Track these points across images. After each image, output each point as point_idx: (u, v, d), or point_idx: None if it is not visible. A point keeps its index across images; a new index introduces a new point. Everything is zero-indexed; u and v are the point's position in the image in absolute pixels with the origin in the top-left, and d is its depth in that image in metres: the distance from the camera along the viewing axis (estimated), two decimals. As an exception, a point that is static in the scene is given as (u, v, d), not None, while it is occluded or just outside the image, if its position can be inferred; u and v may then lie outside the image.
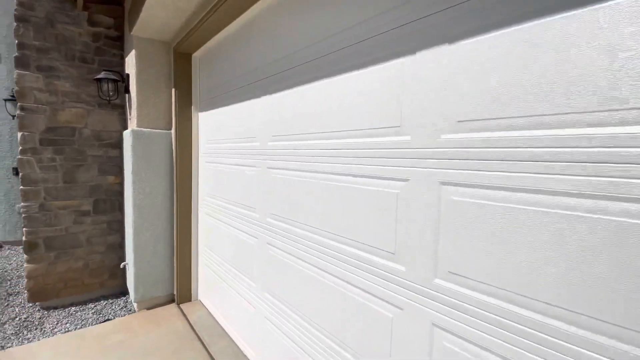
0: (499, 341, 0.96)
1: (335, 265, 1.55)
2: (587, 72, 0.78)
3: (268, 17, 2.01)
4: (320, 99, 1.61)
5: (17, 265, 4.23)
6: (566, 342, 0.83)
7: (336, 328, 1.57)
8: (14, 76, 2.94)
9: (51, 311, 3.08)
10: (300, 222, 1.78)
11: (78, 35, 3.13)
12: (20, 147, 2.97)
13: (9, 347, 2.52)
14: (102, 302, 3.31)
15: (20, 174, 2.98)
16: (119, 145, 3.41)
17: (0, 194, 5.02)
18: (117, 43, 3.33)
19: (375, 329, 1.36)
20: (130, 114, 3.17)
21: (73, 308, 3.16)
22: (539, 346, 0.87)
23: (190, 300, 3.28)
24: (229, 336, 2.66)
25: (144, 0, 2.31)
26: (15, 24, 2.90)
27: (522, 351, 0.91)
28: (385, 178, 1.28)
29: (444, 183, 1.08)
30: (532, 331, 0.89)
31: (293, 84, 1.80)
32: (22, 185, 2.98)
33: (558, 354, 0.84)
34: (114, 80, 3.05)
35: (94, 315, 3.05)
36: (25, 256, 3.05)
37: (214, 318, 2.94)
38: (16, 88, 2.93)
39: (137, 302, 3.08)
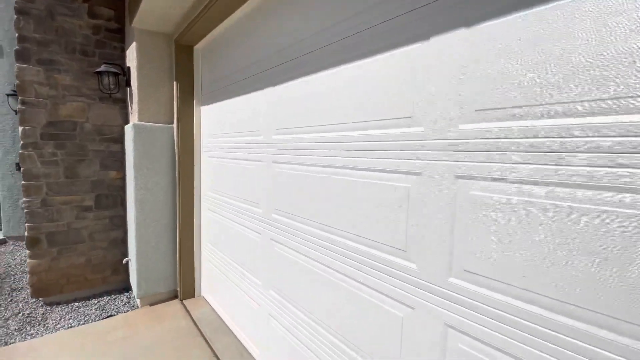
0: (520, 344, 0.90)
1: (342, 262, 1.50)
2: (627, 51, 0.72)
3: (272, 5, 1.94)
4: (327, 90, 1.54)
5: (20, 261, 4.22)
6: (599, 348, 0.77)
7: (343, 326, 1.52)
8: (15, 70, 2.89)
9: (54, 307, 3.07)
10: (305, 218, 1.73)
11: (78, 27, 3.07)
12: (22, 142, 2.93)
13: (12, 342, 2.50)
14: (105, 297, 3.29)
15: (22, 169, 2.94)
16: (120, 139, 3.36)
17: (4, 190, 5.00)
18: (118, 35, 3.27)
19: (385, 328, 1.30)
20: (131, 108, 3.12)
21: (76, 304, 3.14)
22: (566, 351, 0.81)
23: (193, 296, 3.25)
24: (232, 333, 2.62)
25: (144, -11, 2.25)
26: (15, 16, 2.85)
27: (547, 356, 0.85)
28: (396, 172, 1.22)
29: (460, 176, 1.01)
30: (559, 335, 0.83)
31: (298, 74, 1.74)
32: (23, 180, 2.95)
33: None
34: (115, 74, 3.00)
35: (97, 311, 3.02)
36: (27, 252, 3.02)
37: (217, 314, 2.90)
38: (17, 82, 2.89)
39: (140, 298, 3.05)
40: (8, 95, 4.83)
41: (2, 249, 4.70)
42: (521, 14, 0.87)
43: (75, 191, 3.18)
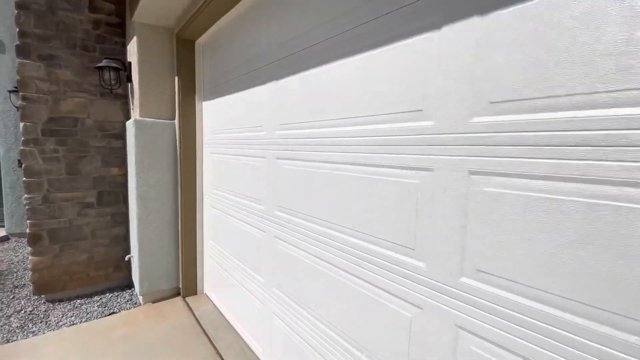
0: (538, 348, 0.86)
1: (348, 260, 1.46)
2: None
3: (275, -3, 1.89)
4: (331, 84, 1.50)
5: (23, 258, 4.21)
6: (624, 354, 0.73)
7: (348, 326, 1.48)
8: (15, 65, 2.86)
9: (56, 304, 3.05)
10: (310, 215, 1.69)
11: (79, 22, 3.03)
12: (23, 138, 2.90)
13: (14, 340, 2.48)
14: (107, 294, 3.27)
15: (23, 165, 2.92)
16: (122, 136, 3.33)
17: (6, 186, 5.00)
18: (119, 30, 3.23)
19: (392, 328, 1.27)
20: (132, 104, 3.08)
21: (78, 301, 3.13)
22: (588, 356, 0.77)
23: (196, 293, 3.23)
24: (235, 331, 2.60)
25: (145, -18, 2.20)
26: (16, 11, 2.81)
27: (565, 360, 0.81)
28: (404, 167, 1.18)
29: (473, 172, 0.97)
30: (580, 339, 0.78)
31: (301, 68, 1.69)
32: (25, 176, 2.93)
33: (608, 365, 0.74)
34: (116, 69, 2.96)
35: (100, 308, 3.01)
36: (29, 249, 3.00)
37: (220, 312, 2.88)
38: (17, 77, 2.86)
39: (142, 295, 3.03)
40: (10, 91, 4.81)
41: (4, 246, 4.70)
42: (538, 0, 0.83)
43: (76, 188, 3.16)
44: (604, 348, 0.74)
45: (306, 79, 1.66)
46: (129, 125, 2.99)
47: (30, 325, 2.68)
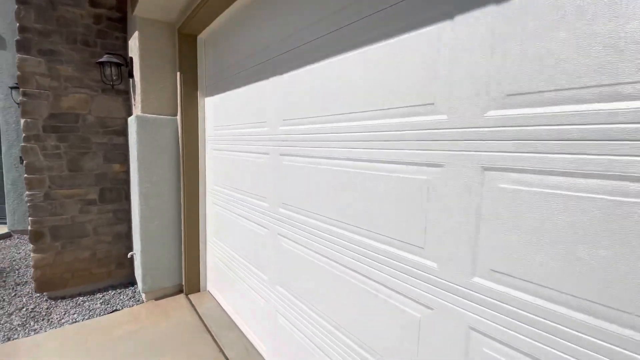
0: (555, 351, 0.82)
1: (354, 259, 1.42)
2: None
3: (279, -11, 1.85)
4: (337, 77, 1.46)
5: (25, 255, 4.20)
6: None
7: (355, 326, 1.45)
8: (16, 61, 2.83)
9: (59, 301, 3.04)
10: (314, 213, 1.65)
11: (80, 17, 2.99)
12: (24, 134, 2.88)
13: (16, 338, 2.46)
14: (110, 292, 3.25)
15: (24, 162, 2.89)
16: (123, 132, 3.30)
17: (8, 183, 4.98)
18: (120, 25, 3.19)
19: (400, 329, 1.23)
20: (134, 100, 3.05)
21: (81, 298, 3.11)
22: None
23: (198, 290, 3.21)
24: (239, 329, 2.57)
25: (146, -25, 2.16)
26: (16, 6, 2.78)
27: (585, 364, 0.77)
28: (414, 163, 1.14)
29: (488, 168, 0.93)
30: (604, 343, 0.75)
31: (306, 62, 1.65)
32: (26, 173, 2.90)
33: (633, 370, 0.71)
34: (117, 64, 2.92)
35: (102, 306, 2.99)
36: (31, 246, 2.99)
37: (223, 309, 2.86)
38: (18, 73, 2.83)
39: (145, 293, 3.01)
40: (11, 88, 4.79)
41: (6, 243, 4.69)
42: (561, -14, 0.78)
43: (78, 184, 3.13)
44: (628, 352, 0.71)
45: (311, 73, 1.62)
46: (131, 121, 2.95)
47: (32, 323, 2.67)
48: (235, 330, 2.57)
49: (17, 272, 3.68)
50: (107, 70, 2.91)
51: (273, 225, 2.02)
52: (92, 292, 3.22)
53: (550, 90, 0.81)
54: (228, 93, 2.53)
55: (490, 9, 0.91)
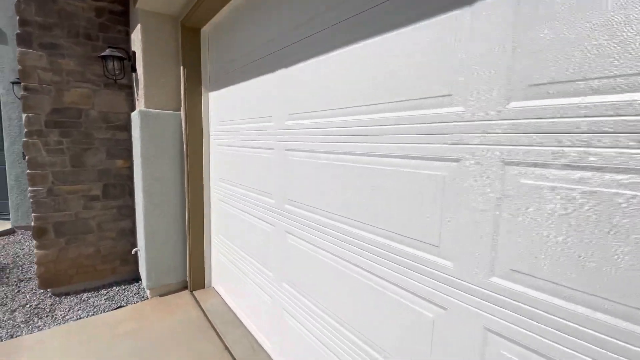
0: (579, 354, 0.78)
1: (364, 257, 1.38)
2: None
3: (285, -21, 1.80)
4: (347, 69, 1.41)
5: (29, 251, 4.19)
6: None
7: (365, 325, 1.41)
8: (17, 54, 2.79)
9: (63, 298, 3.02)
10: (322, 210, 1.61)
11: (81, 10, 2.94)
12: (26, 130, 2.84)
13: (19, 335, 2.45)
14: (114, 288, 3.24)
15: (27, 158, 2.86)
16: (126, 127, 3.26)
17: (12, 179, 4.97)
18: (122, 18, 3.14)
19: (412, 329, 1.20)
20: (137, 94, 3.01)
21: (85, 294, 3.10)
22: (642, 366, 0.70)
23: (203, 287, 3.19)
24: (244, 326, 2.55)
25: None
26: (16, -1, 2.74)
27: (614, 370, 0.73)
28: (429, 158, 1.09)
29: (509, 163, 0.88)
30: (635, 348, 0.71)
31: (312, 53, 1.60)
32: (28, 169, 2.88)
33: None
34: (120, 58, 2.88)
35: (107, 302, 2.97)
36: (35, 242, 2.97)
37: (228, 306, 2.83)
38: (19, 67, 2.79)
39: (149, 289, 2.99)
40: (13, 83, 4.76)
41: (10, 239, 4.69)
42: (593, -33, 0.73)
43: (82, 180, 3.11)
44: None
45: (319, 65, 1.57)
46: (134, 116, 2.92)
47: (35, 320, 2.65)
48: (241, 327, 2.55)
49: (20, 268, 3.67)
50: (110, 65, 2.87)
51: (279, 222, 1.99)
52: (97, 289, 3.21)
53: (579, 80, 0.76)
54: (232, 87, 2.49)
55: (513, -6, 0.86)
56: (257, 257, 2.29)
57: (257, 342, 2.37)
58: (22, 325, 2.57)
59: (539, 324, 0.85)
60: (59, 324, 2.61)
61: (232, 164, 2.58)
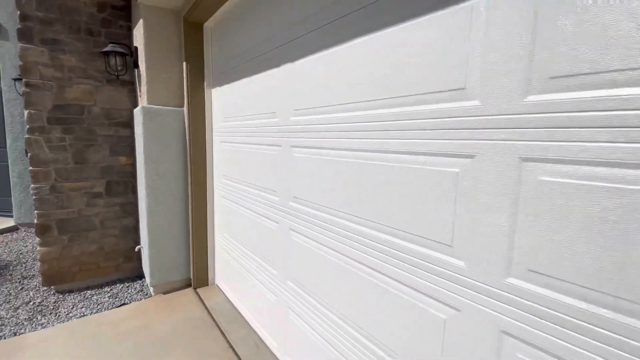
0: (600, 358, 0.75)
1: (371, 256, 1.35)
2: None
3: (290, -28, 1.75)
4: (355, 63, 1.37)
5: (32, 248, 4.19)
6: None
7: (370, 324, 1.38)
8: (17, 50, 2.76)
9: (66, 295, 3.01)
10: (328, 207, 1.58)
11: (83, 5, 2.91)
12: (28, 126, 2.82)
13: (22, 333, 2.44)
14: (118, 285, 3.23)
15: (29, 154, 2.84)
16: (129, 124, 3.24)
17: (14, 176, 4.96)
18: (124, 13, 3.11)
19: (422, 330, 1.17)
20: (140, 90, 2.98)
21: (89, 292, 3.09)
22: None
23: (207, 284, 3.17)
24: (248, 324, 2.53)
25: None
26: (17, -6, 2.70)
27: (640, 376, 0.70)
28: (441, 154, 1.06)
29: (527, 159, 0.85)
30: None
31: (320, 47, 1.56)
32: (31, 166, 2.86)
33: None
34: (122, 54, 2.85)
35: (110, 299, 2.96)
36: (38, 239, 2.95)
37: (232, 304, 2.82)
38: (20, 63, 2.76)
39: (153, 287, 2.98)
40: (15, 79, 4.75)
41: (13, 236, 4.69)
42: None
43: (84, 177, 3.09)
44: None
45: (325, 58, 1.53)
46: (137, 112, 2.89)
47: (39, 317, 2.64)
48: (245, 325, 2.53)
49: (23, 265, 3.67)
50: (112, 60, 2.84)
51: (284, 219, 1.96)
52: (100, 286, 3.20)
53: (603, 72, 0.72)
54: (237, 83, 2.45)
55: (533, -18, 0.82)
56: (261, 255, 2.27)
57: (261, 340, 2.35)
58: (25, 323, 2.56)
59: (558, 327, 0.82)
60: (63, 321, 2.60)
61: (235, 160, 2.55)
